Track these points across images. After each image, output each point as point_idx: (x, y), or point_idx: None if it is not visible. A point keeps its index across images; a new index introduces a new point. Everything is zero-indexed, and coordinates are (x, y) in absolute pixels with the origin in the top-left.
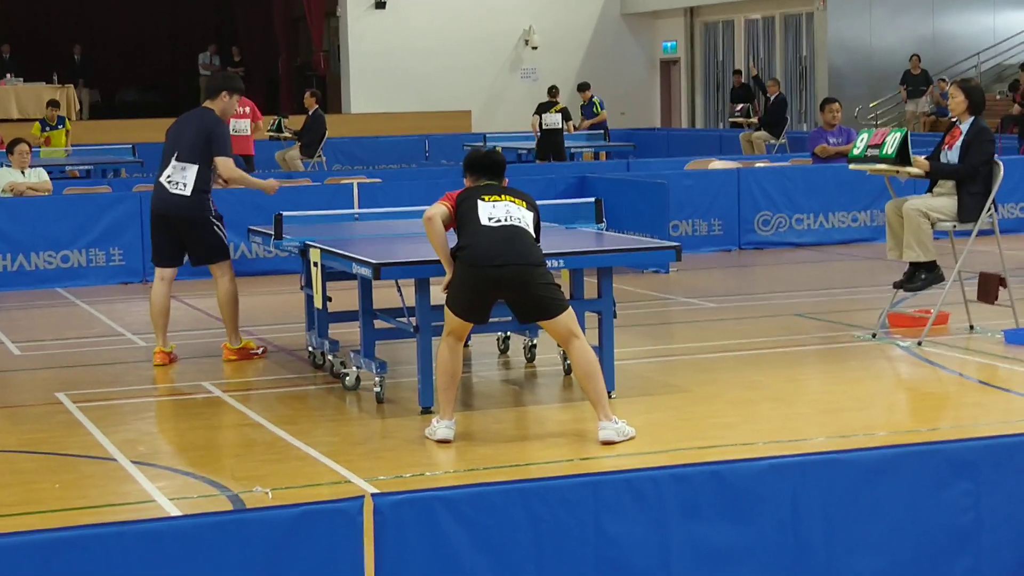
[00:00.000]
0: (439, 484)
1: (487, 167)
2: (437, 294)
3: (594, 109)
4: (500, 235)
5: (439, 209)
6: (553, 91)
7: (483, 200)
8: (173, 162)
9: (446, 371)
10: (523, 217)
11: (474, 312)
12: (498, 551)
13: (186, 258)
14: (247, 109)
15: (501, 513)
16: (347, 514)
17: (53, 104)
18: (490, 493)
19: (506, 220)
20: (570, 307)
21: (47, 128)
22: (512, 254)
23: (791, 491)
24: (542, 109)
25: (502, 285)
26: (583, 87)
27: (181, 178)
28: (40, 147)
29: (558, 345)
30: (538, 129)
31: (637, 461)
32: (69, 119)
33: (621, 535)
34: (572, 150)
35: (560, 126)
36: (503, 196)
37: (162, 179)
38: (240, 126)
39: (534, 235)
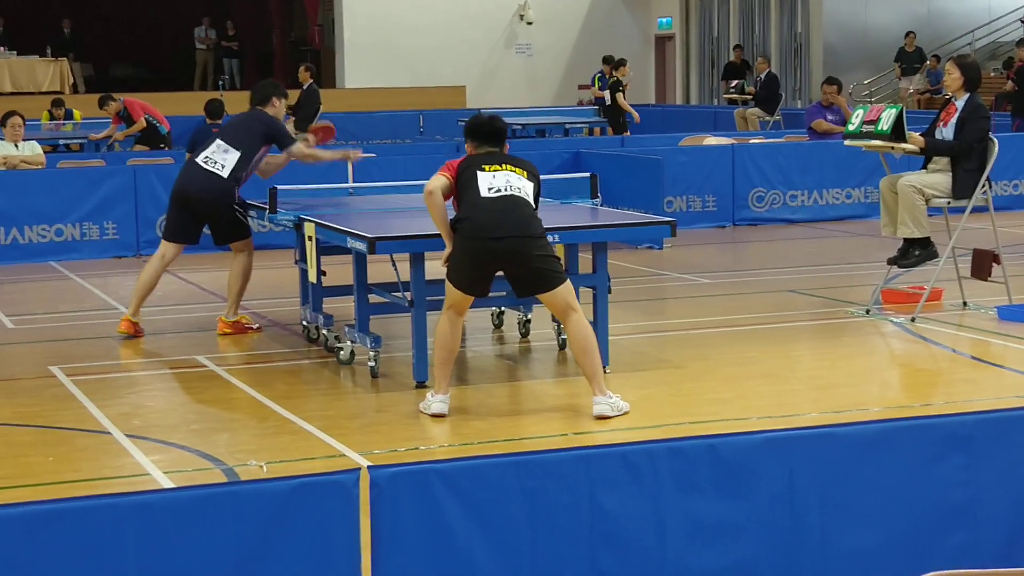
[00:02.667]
0: (434, 458)
1: (488, 134)
2: (435, 268)
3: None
4: (499, 206)
5: (439, 181)
6: (618, 62)
7: (483, 170)
8: (216, 143)
9: (444, 345)
10: (523, 187)
11: (475, 285)
12: (493, 524)
13: (200, 239)
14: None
15: (496, 486)
16: (343, 486)
17: (57, 104)
18: (485, 466)
19: (506, 191)
20: (568, 280)
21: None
22: (510, 226)
23: (787, 465)
24: (614, 88)
25: (500, 257)
26: (608, 60)
27: (222, 159)
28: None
29: (553, 319)
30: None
31: (631, 436)
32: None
33: (616, 509)
34: (567, 125)
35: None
36: (504, 165)
37: (199, 159)
38: None
39: (534, 205)
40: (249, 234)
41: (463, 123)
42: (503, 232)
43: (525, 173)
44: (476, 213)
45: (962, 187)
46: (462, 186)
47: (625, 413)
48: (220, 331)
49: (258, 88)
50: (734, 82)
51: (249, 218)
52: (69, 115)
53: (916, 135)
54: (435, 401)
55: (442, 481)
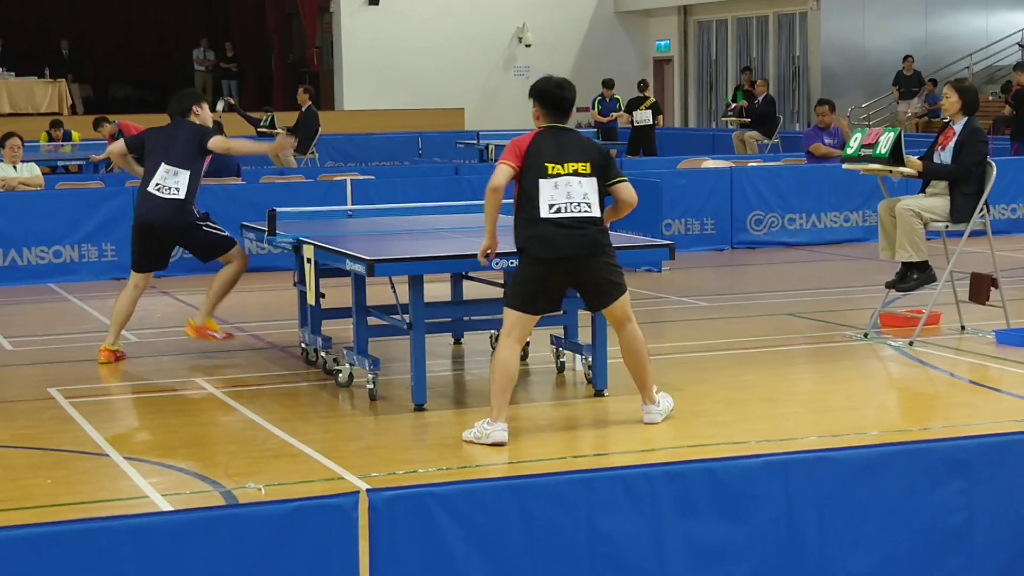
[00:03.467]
0: (432, 481)
1: (557, 104)
2: (434, 291)
3: (617, 107)
4: (564, 226)
5: (504, 175)
6: (642, 86)
7: (546, 174)
8: (163, 168)
9: (506, 372)
10: (585, 193)
11: (540, 304)
12: (492, 548)
13: (170, 263)
14: None
15: (495, 510)
16: (342, 509)
17: (56, 125)
18: (484, 490)
19: (566, 209)
20: (627, 289)
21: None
22: (577, 246)
23: (785, 488)
24: (632, 106)
25: (569, 276)
26: (607, 84)
27: (174, 183)
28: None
29: (552, 342)
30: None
31: (629, 460)
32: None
33: (615, 532)
34: None
35: (651, 122)
36: (566, 165)
37: (150, 188)
38: None
39: (600, 202)
40: (231, 243)
41: (461, 145)
42: (570, 252)
43: (588, 167)
44: (541, 234)
45: (960, 211)
46: (526, 187)
47: (671, 410)
48: (185, 331)
49: (177, 99)
50: (732, 105)
51: (220, 229)
52: (67, 136)
53: (914, 159)
54: (496, 429)
55: (441, 505)
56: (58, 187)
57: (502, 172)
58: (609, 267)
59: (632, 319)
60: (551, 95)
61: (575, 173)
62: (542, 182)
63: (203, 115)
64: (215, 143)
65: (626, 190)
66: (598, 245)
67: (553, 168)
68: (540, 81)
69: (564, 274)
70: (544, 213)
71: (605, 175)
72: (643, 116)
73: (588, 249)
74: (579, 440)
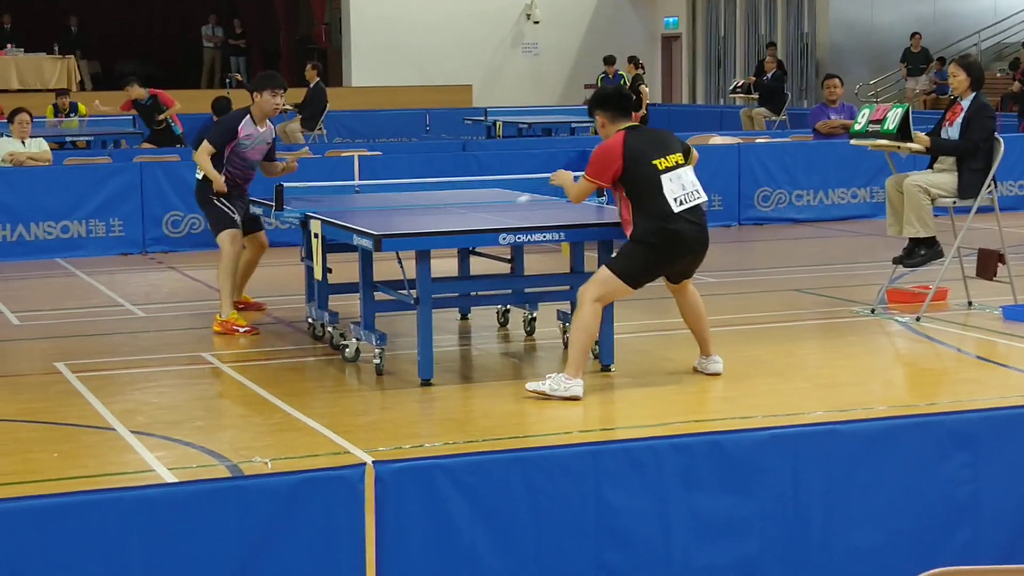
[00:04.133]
0: (439, 454)
1: (624, 107)
2: (440, 267)
3: (621, 84)
4: (695, 222)
5: (586, 191)
6: (610, 59)
7: (661, 172)
8: None
9: (592, 334)
10: (693, 182)
11: (646, 282)
12: (497, 519)
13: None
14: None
15: (501, 482)
16: (348, 481)
17: (63, 93)
18: (490, 462)
19: (687, 199)
20: None
21: (59, 114)
22: (704, 239)
23: (791, 462)
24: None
25: (686, 264)
26: (609, 60)
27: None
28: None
29: (558, 317)
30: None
31: (637, 434)
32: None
33: (620, 504)
34: (573, 124)
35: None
36: (669, 158)
37: None
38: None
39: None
40: (221, 229)
41: (469, 122)
42: (700, 247)
43: (684, 157)
44: (674, 226)
45: (968, 187)
46: (639, 183)
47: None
48: (213, 328)
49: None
50: (740, 82)
51: (229, 210)
52: (74, 108)
53: (921, 135)
54: (575, 385)
55: (447, 476)
56: (66, 162)
57: (583, 190)
58: None
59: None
60: (619, 99)
61: (677, 165)
62: (663, 180)
63: (259, 102)
64: (195, 156)
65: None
66: (708, 235)
67: (662, 165)
68: (600, 91)
69: (682, 263)
70: (675, 208)
71: (688, 158)
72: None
73: (706, 242)
74: (585, 415)
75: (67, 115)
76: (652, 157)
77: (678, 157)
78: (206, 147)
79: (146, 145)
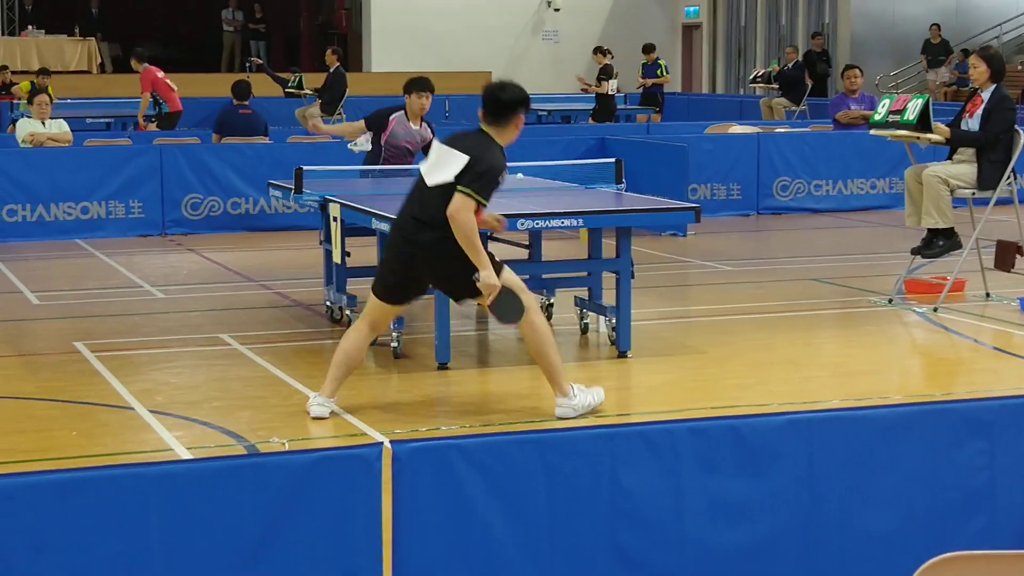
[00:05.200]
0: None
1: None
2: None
3: (658, 72)
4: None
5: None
6: (605, 50)
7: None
8: None
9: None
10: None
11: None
12: (513, 500)
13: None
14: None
15: (517, 462)
16: (365, 460)
17: (44, 72)
18: (507, 442)
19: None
20: None
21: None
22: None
23: (807, 447)
24: (606, 74)
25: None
26: (648, 49)
27: None
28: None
29: (576, 303)
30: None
31: (653, 420)
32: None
33: (636, 487)
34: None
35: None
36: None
37: None
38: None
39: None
40: None
41: None
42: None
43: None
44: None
45: (987, 178)
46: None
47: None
48: None
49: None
50: (761, 71)
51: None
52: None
53: (942, 125)
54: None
55: (463, 456)
56: (86, 144)
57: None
58: None
59: None
60: (487, 95)
61: None
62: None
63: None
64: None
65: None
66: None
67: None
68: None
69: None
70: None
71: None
72: (615, 85)
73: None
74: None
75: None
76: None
77: None
78: (359, 124)
79: (152, 127)
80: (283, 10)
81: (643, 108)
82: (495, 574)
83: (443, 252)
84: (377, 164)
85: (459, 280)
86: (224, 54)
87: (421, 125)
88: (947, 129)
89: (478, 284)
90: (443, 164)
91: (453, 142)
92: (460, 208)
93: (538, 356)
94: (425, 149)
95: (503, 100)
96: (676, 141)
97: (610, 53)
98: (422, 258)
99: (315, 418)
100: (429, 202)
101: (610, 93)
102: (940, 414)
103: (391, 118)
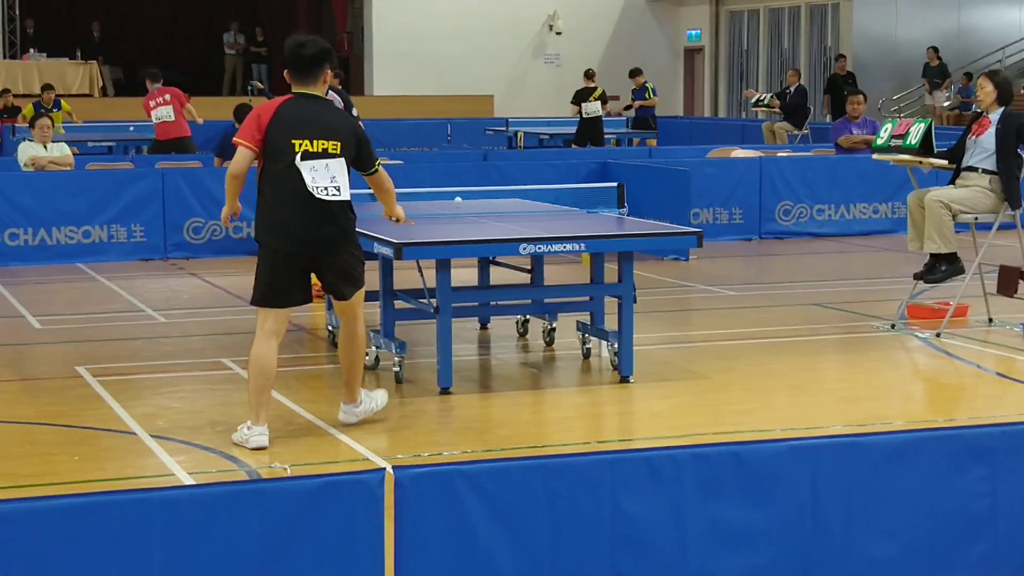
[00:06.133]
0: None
1: (297, 67)
2: (461, 275)
3: (646, 95)
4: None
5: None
6: (590, 74)
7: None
8: None
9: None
10: (336, 178)
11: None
12: (516, 526)
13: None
14: (167, 96)
15: (520, 488)
16: (368, 486)
17: (48, 88)
18: (509, 468)
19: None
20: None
21: (41, 111)
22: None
23: (810, 473)
24: (581, 97)
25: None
26: (635, 73)
27: None
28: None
29: (578, 328)
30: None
31: (655, 445)
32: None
33: (638, 513)
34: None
35: (600, 113)
36: (317, 143)
37: None
38: (162, 113)
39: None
40: None
41: (490, 132)
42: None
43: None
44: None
45: (1015, 196)
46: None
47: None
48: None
49: None
50: (764, 96)
51: None
52: (57, 104)
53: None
54: (251, 434)
55: (466, 482)
56: (88, 167)
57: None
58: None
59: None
60: (293, 58)
61: (326, 153)
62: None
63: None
64: None
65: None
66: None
67: (302, 145)
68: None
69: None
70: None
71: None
72: (592, 108)
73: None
74: (604, 426)
75: (49, 109)
76: (295, 135)
77: (331, 145)
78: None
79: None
80: (285, 33)
81: (638, 132)
82: None
83: None
84: None
85: None
86: (226, 77)
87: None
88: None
89: None
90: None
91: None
92: None
93: (353, 363)
94: None
95: (306, 56)
96: (678, 165)
97: (592, 75)
98: None
99: (257, 448)
100: None
101: (585, 116)
102: (942, 440)
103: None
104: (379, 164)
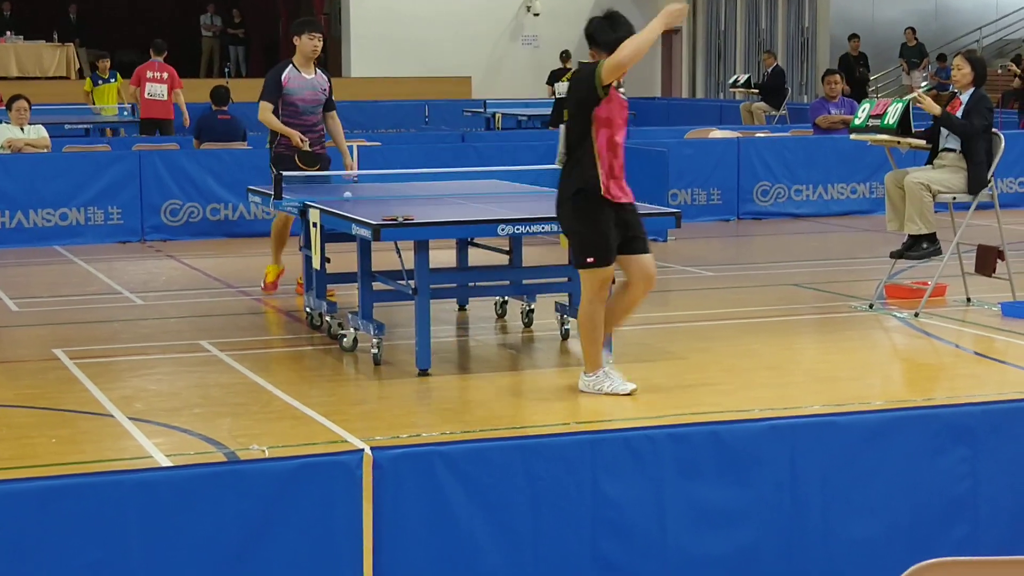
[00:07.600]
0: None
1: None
2: (439, 257)
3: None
4: None
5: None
6: (565, 56)
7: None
8: None
9: (600, 326)
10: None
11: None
12: (495, 507)
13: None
14: (164, 75)
15: (499, 469)
16: (346, 467)
17: (103, 56)
18: (489, 449)
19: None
20: None
21: (100, 82)
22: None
23: (789, 453)
24: (555, 77)
25: None
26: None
27: None
28: (90, 104)
29: (556, 308)
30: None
31: (633, 425)
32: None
33: (618, 494)
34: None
35: None
36: None
37: None
38: (156, 90)
39: None
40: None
41: (468, 113)
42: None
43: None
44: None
45: (976, 181)
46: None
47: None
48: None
49: None
50: (743, 77)
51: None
52: (113, 75)
53: (934, 104)
54: (616, 377)
55: (445, 463)
56: (65, 150)
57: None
58: None
59: None
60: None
61: None
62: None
63: (299, 46)
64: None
65: None
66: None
67: None
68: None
69: None
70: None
71: None
72: (565, 88)
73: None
74: (582, 407)
75: (107, 80)
76: None
77: None
78: (264, 105)
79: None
80: (261, 15)
81: None
82: None
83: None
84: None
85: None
86: (203, 60)
87: (316, 72)
88: (937, 107)
89: None
90: None
91: None
92: None
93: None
94: (327, 105)
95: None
96: (656, 146)
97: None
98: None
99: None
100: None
101: (559, 97)
102: (922, 420)
103: (283, 77)
104: None
